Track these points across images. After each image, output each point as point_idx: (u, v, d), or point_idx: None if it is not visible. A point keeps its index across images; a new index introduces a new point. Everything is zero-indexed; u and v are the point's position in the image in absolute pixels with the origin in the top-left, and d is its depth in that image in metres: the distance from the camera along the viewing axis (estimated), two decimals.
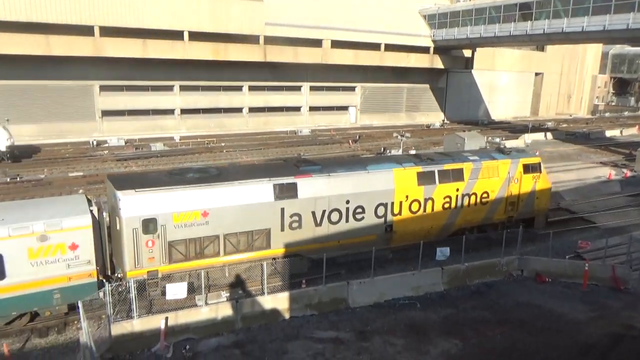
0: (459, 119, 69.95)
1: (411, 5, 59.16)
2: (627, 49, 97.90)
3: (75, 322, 14.71)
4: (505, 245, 18.61)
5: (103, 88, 47.83)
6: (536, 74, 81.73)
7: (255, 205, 16.06)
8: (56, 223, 13.69)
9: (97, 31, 42.63)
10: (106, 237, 15.33)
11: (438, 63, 62.81)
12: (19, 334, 14.28)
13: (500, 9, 51.10)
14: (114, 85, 48.10)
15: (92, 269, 14.41)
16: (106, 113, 48.69)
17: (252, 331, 14.54)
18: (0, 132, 34.92)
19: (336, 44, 54.97)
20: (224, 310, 14.68)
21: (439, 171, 19.37)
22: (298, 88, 58.62)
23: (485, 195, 20.49)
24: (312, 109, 60.24)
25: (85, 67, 45.12)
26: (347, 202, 17.53)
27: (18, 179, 30.76)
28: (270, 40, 50.82)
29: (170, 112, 52.05)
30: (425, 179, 19.01)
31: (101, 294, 14.56)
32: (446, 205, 19.66)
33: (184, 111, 52.52)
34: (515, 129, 61.73)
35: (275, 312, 15.27)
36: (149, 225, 14.63)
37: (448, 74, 68.81)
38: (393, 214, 18.50)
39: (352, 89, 62.67)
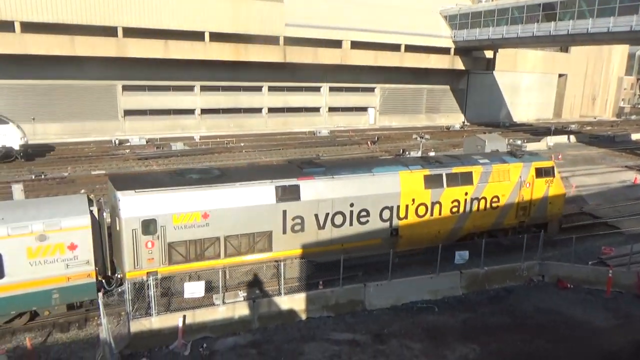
0: (480, 120, 69.13)
1: (432, 6, 58.72)
2: None
3: (96, 318, 14.94)
4: (525, 250, 18.30)
5: (126, 88, 48.61)
6: (559, 76, 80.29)
7: (257, 207, 15.89)
8: (55, 223, 13.66)
9: (120, 32, 43.38)
10: (106, 237, 15.28)
11: (459, 64, 62.20)
12: (41, 329, 14.56)
13: (523, 9, 50.34)
14: (136, 85, 48.84)
15: (91, 270, 14.35)
16: (128, 112, 49.47)
17: (269, 331, 14.58)
18: (14, 131, 35.24)
19: (356, 45, 54.88)
20: (241, 309, 14.75)
21: (447, 174, 18.91)
22: (317, 89, 58.66)
23: (495, 199, 19.96)
24: (331, 109, 60.24)
25: (108, 67, 45.92)
26: (351, 205, 17.22)
27: (42, 177, 31.43)
28: (290, 41, 51.00)
29: (191, 112, 52.62)
30: (432, 182, 18.58)
31: (99, 295, 14.60)
32: (454, 210, 19.20)
33: (204, 111, 53.04)
34: (538, 131, 60.76)
35: (291, 313, 15.28)
36: (148, 226, 14.57)
37: (469, 75, 68.09)
38: (399, 218, 18.14)
39: (372, 89, 62.47)
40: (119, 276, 15.27)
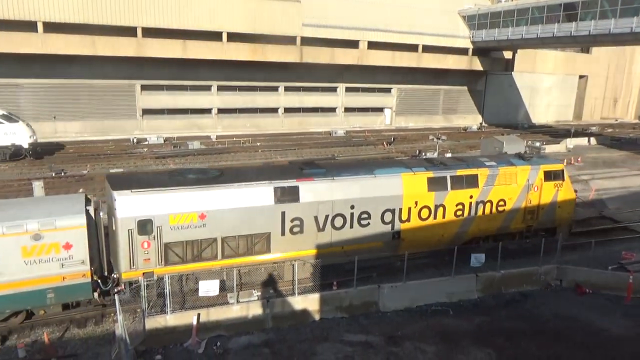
0: (498, 122, 68.35)
1: (450, 6, 58.25)
2: None
3: (112, 314, 15.11)
4: (543, 254, 18.02)
5: (144, 87, 49.19)
6: (580, 77, 78.92)
7: (255, 208, 15.74)
8: (50, 222, 13.57)
9: (139, 32, 43.93)
10: (103, 237, 15.14)
11: (477, 65, 61.60)
12: (58, 324, 14.79)
13: (543, 9, 49.59)
14: (155, 84, 49.39)
15: (86, 269, 14.26)
16: (147, 112, 50.06)
17: (282, 331, 14.60)
18: (23, 129, 35.50)
19: (373, 45, 54.72)
20: (255, 308, 14.81)
21: (451, 177, 18.54)
22: (333, 89, 58.62)
23: (501, 203, 19.52)
24: (347, 110, 60.14)
25: (128, 67, 46.54)
26: (352, 207, 16.98)
27: (62, 174, 31.98)
28: (307, 41, 51.06)
29: (208, 111, 53.02)
30: (436, 184, 18.24)
31: (95, 295, 14.73)
32: (458, 213, 18.80)
33: (221, 111, 53.39)
34: (557, 133, 59.84)
35: (305, 313, 15.29)
36: (144, 226, 14.48)
37: (487, 76, 67.38)
38: (401, 221, 17.84)
39: (388, 90, 62.20)
40: (115, 276, 15.22)
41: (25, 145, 35.47)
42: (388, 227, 17.75)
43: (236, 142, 46.09)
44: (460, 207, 18.79)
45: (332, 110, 59.62)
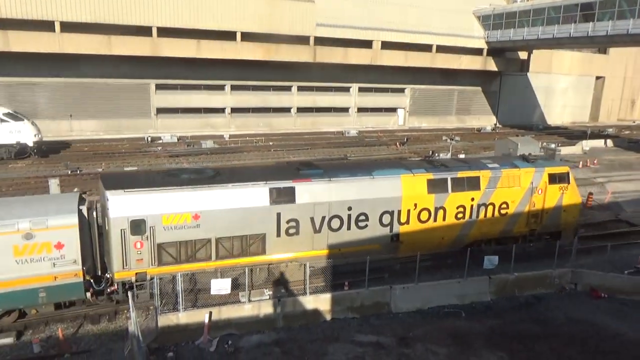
0: (512, 123, 67.70)
1: (464, 6, 57.83)
2: None
3: (125, 311, 15.26)
4: (557, 257, 17.81)
5: (158, 86, 49.60)
6: (597, 78, 77.84)
7: (249, 209, 15.58)
8: (42, 221, 13.54)
9: (154, 32, 44.30)
10: (96, 236, 15.05)
11: (491, 65, 61.08)
12: (73, 320, 14.99)
13: (559, 9, 48.98)
14: (169, 84, 49.76)
15: (78, 269, 14.20)
16: (161, 110, 50.47)
17: (293, 330, 14.61)
18: (28, 128, 35.63)
19: (386, 45, 54.53)
20: (266, 308, 14.86)
21: (452, 179, 18.20)
22: (347, 89, 58.56)
23: (504, 205, 19.09)
24: (360, 110, 60.03)
25: (142, 66, 46.95)
26: (349, 208, 16.76)
27: (78, 172, 32.39)
28: (320, 41, 51.07)
29: (221, 110, 53.29)
30: (436, 186, 17.93)
31: (88, 295, 14.71)
32: (459, 216, 18.47)
33: (234, 110, 53.63)
34: (573, 134, 59.08)
35: (316, 313, 15.29)
36: (137, 226, 14.41)
37: (502, 77, 66.79)
38: (400, 223, 17.58)
39: (402, 90, 61.94)
40: (108, 276, 15.18)
41: (30, 144, 35.58)
42: (386, 230, 17.51)
43: (249, 141, 46.27)
44: (461, 209, 18.45)
45: (345, 110, 59.56)
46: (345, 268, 16.80)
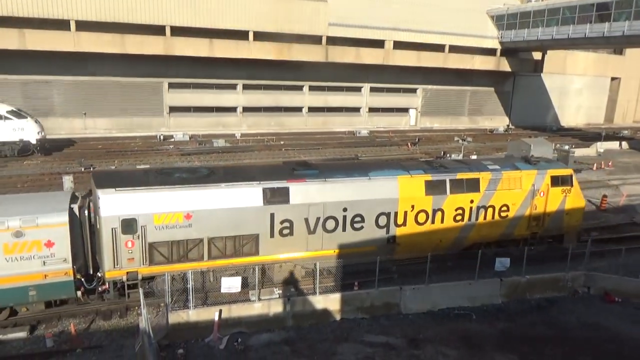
0: (525, 124, 67.07)
1: (478, 6, 57.39)
2: None
3: (136, 307, 15.38)
4: (570, 260, 17.60)
5: (171, 85, 49.95)
6: (612, 79, 76.80)
7: (242, 209, 15.42)
8: (32, 219, 13.51)
9: (168, 31, 44.62)
10: (88, 235, 14.94)
11: (505, 66, 60.55)
12: (85, 315, 15.15)
13: (575, 9, 48.41)
14: (182, 82, 50.09)
15: (69, 267, 14.15)
16: (173, 109, 50.82)
17: (303, 330, 14.63)
18: (32, 126, 35.85)
19: (398, 45, 54.34)
20: (276, 306, 14.87)
21: (450, 180, 17.91)
22: (358, 89, 58.46)
23: (504, 208, 18.76)
24: (372, 110, 59.89)
25: (156, 65, 47.32)
26: (345, 209, 16.55)
27: (91, 169, 32.73)
28: (333, 41, 51.05)
29: (233, 109, 53.51)
30: (434, 188, 17.66)
31: (79, 294, 14.70)
32: (458, 218, 18.15)
33: (246, 109, 53.82)
34: (587, 136, 58.38)
35: (326, 313, 15.29)
36: (128, 225, 14.33)
37: (515, 77, 66.17)
38: (396, 225, 17.34)
39: (413, 90, 61.69)
40: (100, 275, 15.15)
41: (33, 141, 35.80)
42: (383, 231, 17.27)
43: (260, 140, 46.40)
44: (459, 211, 18.15)
45: (356, 110, 59.46)
46: (349, 269, 16.66)
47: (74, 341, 13.74)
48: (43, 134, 36.72)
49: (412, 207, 17.45)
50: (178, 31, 45.04)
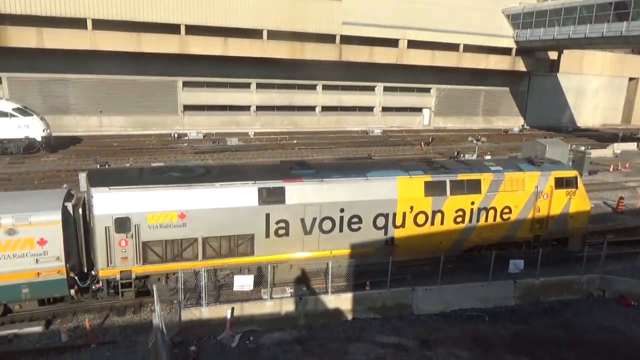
0: (540, 124, 66.30)
1: (493, 5, 56.86)
2: None
3: (150, 304, 15.54)
4: (586, 262, 17.38)
5: (186, 84, 50.31)
6: (630, 79, 75.54)
7: (237, 209, 15.30)
8: (24, 217, 13.52)
9: (182, 29, 44.96)
10: (82, 233, 14.87)
11: (520, 65, 59.92)
12: (99, 311, 15.36)
13: (592, 8, 47.69)
14: (196, 81, 50.43)
15: (61, 266, 14.13)
16: (187, 108, 51.19)
17: (314, 329, 14.64)
18: (37, 123, 36.09)
19: (413, 44, 54.08)
20: (288, 305, 14.91)
21: (451, 181, 17.57)
22: (372, 88, 58.31)
23: (506, 210, 18.36)
24: (385, 109, 59.69)
25: (170, 64, 47.71)
26: (342, 210, 16.33)
27: (107, 166, 33.10)
28: (346, 40, 50.99)
29: (247, 108, 53.73)
30: (434, 189, 17.34)
31: (72, 292, 14.69)
32: (458, 220, 17.83)
33: (259, 108, 54.01)
34: (604, 137, 57.52)
35: (337, 312, 15.29)
36: (121, 224, 14.28)
37: (530, 77, 65.44)
38: (395, 226, 17.09)
39: (427, 90, 61.35)
40: (94, 273, 15.11)
41: (39, 139, 36.05)
42: (381, 233, 17.04)
43: (273, 139, 46.52)
44: (460, 213, 17.80)
45: (370, 109, 59.31)
46: (362, 268, 16.57)
47: (89, 336, 13.93)
48: (48, 131, 36.99)
49: (411, 208, 17.20)
50: (193, 30, 45.35)
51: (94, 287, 15.18)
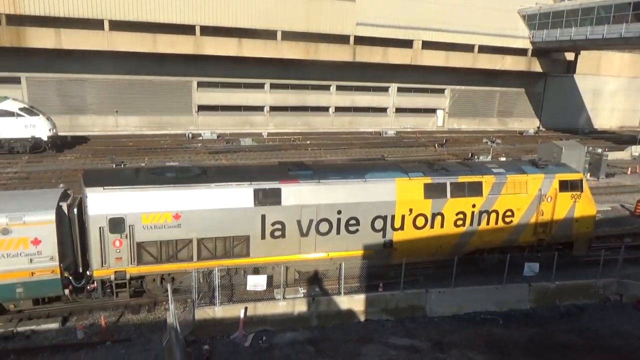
0: (556, 126, 65.49)
1: (509, 5, 56.32)
2: None
3: (164, 302, 15.69)
4: (602, 266, 17.13)
5: (200, 84, 50.68)
6: None
7: (233, 210, 15.22)
8: (18, 217, 13.51)
9: (197, 30, 45.31)
10: (77, 233, 14.80)
11: (536, 66, 59.26)
12: (115, 309, 15.53)
13: (610, 9, 46.98)
14: (210, 82, 50.77)
15: (55, 266, 14.11)
16: (202, 108, 51.55)
17: (327, 330, 14.65)
18: (44, 122, 36.45)
19: (427, 45, 53.81)
20: (301, 306, 14.94)
21: (451, 183, 17.32)
22: (385, 89, 58.13)
23: (508, 213, 18.05)
24: (399, 110, 59.47)
25: (185, 64, 48.11)
26: (339, 212, 16.17)
27: (122, 166, 33.48)
28: (360, 40, 50.93)
29: (260, 109, 53.93)
30: (433, 191, 17.11)
31: (67, 292, 14.73)
32: (459, 223, 17.58)
33: (273, 108, 54.18)
34: (622, 139, 56.63)
35: (350, 313, 15.28)
36: (116, 224, 14.28)
37: (546, 79, 64.67)
38: (393, 229, 16.89)
39: (441, 91, 60.97)
40: (89, 273, 15.08)
41: (45, 138, 36.40)
42: (379, 235, 16.86)
43: (287, 139, 46.64)
44: (461, 216, 17.56)
45: (383, 110, 59.13)
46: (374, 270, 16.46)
47: (104, 334, 14.08)
48: (54, 131, 37.36)
49: (410, 210, 16.98)
50: (207, 31, 45.68)
51: (89, 287, 15.23)
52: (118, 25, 42.83)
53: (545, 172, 18.74)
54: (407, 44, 53.23)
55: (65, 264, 14.58)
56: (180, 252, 15.16)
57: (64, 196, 15.14)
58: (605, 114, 71.97)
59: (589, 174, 35.34)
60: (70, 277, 14.88)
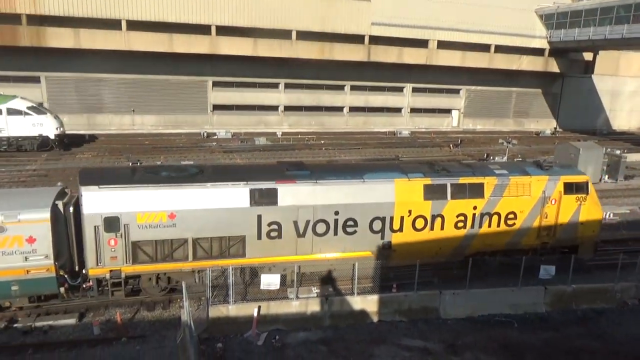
0: (573, 127, 64.50)
1: (526, 4, 55.67)
2: None
3: (178, 300, 15.84)
4: (620, 269, 16.86)
5: (215, 84, 51.01)
6: None
7: (228, 210, 15.15)
8: (13, 215, 13.56)
9: (213, 30, 45.64)
10: (73, 232, 14.75)
11: (553, 67, 58.47)
12: (130, 305, 15.73)
13: (630, 8, 46.15)
14: (226, 81, 51.07)
15: (50, 264, 14.13)
16: (217, 107, 51.89)
17: (340, 330, 14.65)
18: (51, 121, 36.88)
19: (442, 45, 53.45)
20: (314, 305, 14.97)
21: (452, 185, 17.05)
22: (400, 89, 57.88)
23: (511, 216, 17.71)
24: (413, 110, 59.16)
25: (201, 63, 48.46)
26: (336, 213, 16.01)
27: (138, 164, 33.87)
28: (375, 40, 50.80)
29: (275, 108, 54.09)
30: (433, 192, 16.86)
31: (62, 290, 14.76)
32: (459, 225, 17.29)
33: (287, 108, 54.31)
34: None
35: (363, 314, 15.26)
36: (111, 223, 14.27)
37: (564, 79, 63.76)
38: (392, 230, 16.67)
39: (457, 91, 60.49)
40: (84, 272, 15.11)
41: (52, 136, 36.85)
42: (377, 237, 16.68)
43: (301, 139, 46.72)
44: (461, 218, 17.27)
45: (398, 110, 58.89)
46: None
47: (120, 330, 14.27)
48: (62, 129, 37.80)
49: (410, 212, 16.75)
50: (223, 31, 45.97)
51: (84, 286, 15.30)
52: (135, 25, 43.35)
53: (550, 174, 18.36)
54: (422, 43, 52.94)
55: (61, 263, 14.63)
56: (176, 251, 15.16)
57: (61, 195, 15.18)
58: (624, 115, 70.72)
59: (607, 176, 34.80)
60: (66, 276, 14.93)
